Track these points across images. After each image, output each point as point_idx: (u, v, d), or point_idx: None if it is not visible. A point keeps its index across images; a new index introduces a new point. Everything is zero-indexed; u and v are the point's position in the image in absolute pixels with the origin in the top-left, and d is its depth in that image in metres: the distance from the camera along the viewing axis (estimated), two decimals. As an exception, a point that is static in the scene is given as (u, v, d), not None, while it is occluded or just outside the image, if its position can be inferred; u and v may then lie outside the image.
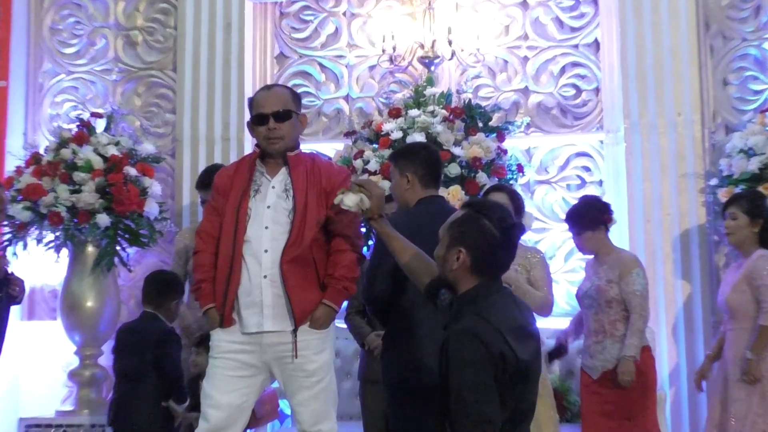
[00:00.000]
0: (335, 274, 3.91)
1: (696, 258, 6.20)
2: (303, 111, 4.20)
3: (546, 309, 4.85)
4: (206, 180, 5.13)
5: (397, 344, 3.92)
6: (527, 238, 6.53)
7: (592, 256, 5.22)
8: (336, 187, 3.87)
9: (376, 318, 4.29)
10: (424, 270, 3.36)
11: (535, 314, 4.72)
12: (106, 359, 6.24)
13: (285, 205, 3.91)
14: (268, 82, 7.09)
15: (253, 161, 4.02)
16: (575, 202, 6.48)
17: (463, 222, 3.00)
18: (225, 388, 3.88)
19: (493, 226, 2.96)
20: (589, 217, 5.10)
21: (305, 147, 4.49)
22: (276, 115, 3.95)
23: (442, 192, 5.82)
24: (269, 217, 3.89)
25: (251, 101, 4.05)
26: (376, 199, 3.55)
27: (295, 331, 3.87)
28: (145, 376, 5.11)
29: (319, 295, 3.92)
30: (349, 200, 3.56)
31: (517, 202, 4.89)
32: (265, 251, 3.86)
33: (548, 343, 5.41)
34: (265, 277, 3.85)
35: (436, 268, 3.20)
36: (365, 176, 6.16)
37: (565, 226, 6.40)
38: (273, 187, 3.95)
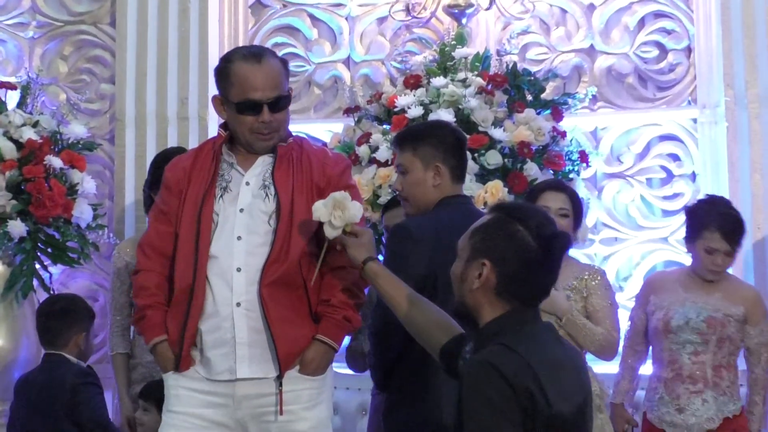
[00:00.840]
0: (332, 300, 3.91)
1: (828, 280, 6.23)
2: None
3: (609, 350, 4.91)
4: (160, 175, 5.12)
5: (415, 399, 3.92)
6: (591, 252, 6.61)
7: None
8: (333, 181, 3.93)
9: (377, 357, 4.24)
10: (437, 326, 3.38)
11: (595, 357, 4.91)
12: None
13: (263, 208, 3.91)
14: (240, 40, 7.15)
15: (219, 148, 4.01)
16: (659, 201, 6.64)
17: (489, 228, 3.04)
18: None
19: (530, 234, 2.98)
20: (744, 235, 5.25)
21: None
22: (273, 104, 3.94)
23: (477, 189, 5.91)
24: (242, 225, 3.89)
25: (228, 71, 3.99)
26: (368, 238, 3.70)
27: (279, 378, 3.85)
28: None
29: (312, 330, 3.92)
30: (320, 213, 3.71)
31: (579, 206, 4.97)
32: (238, 270, 3.85)
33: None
34: (238, 305, 3.84)
35: (456, 327, 3.27)
36: (372, 168, 6.16)
37: (646, 235, 6.70)
38: (247, 184, 3.95)
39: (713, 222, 5.17)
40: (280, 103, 3.95)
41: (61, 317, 5.46)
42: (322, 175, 3.95)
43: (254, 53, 4.04)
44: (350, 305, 3.93)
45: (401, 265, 3.86)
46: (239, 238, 3.87)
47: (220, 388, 3.87)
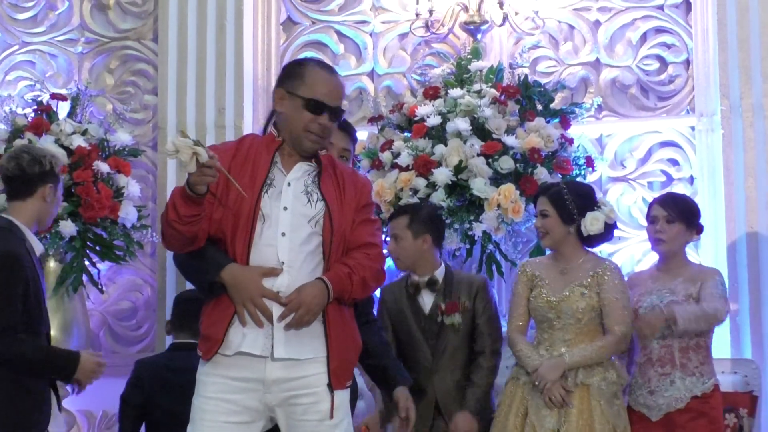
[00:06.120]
0: (349, 261, 3.94)
1: (817, 278, 6.24)
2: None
3: (618, 346, 5.06)
4: None
5: None
6: (596, 250, 6.41)
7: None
8: (362, 200, 4.03)
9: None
10: None
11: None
12: (71, 402, 6.24)
13: (305, 211, 3.93)
14: (273, 54, 7.22)
15: (273, 149, 3.99)
16: None
17: None
18: None
19: None
20: (690, 210, 5.29)
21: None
22: (334, 112, 3.99)
23: (491, 192, 6.01)
24: (286, 222, 3.91)
25: (303, 69, 4.02)
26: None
27: (330, 386, 3.89)
28: None
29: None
30: (184, 155, 3.60)
31: (560, 203, 5.12)
32: (282, 264, 3.88)
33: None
34: (278, 293, 3.86)
35: None
36: (394, 172, 6.20)
37: (647, 235, 6.45)
38: (288, 185, 3.96)
39: (654, 200, 5.41)
40: (340, 115, 4.02)
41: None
42: (354, 192, 4.01)
43: (328, 65, 4.17)
44: (360, 276, 3.93)
45: None
46: (283, 234, 3.89)
47: (251, 373, 3.86)
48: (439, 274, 5.40)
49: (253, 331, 3.84)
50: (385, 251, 4.28)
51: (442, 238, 5.59)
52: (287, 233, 3.88)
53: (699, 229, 5.32)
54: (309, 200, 3.92)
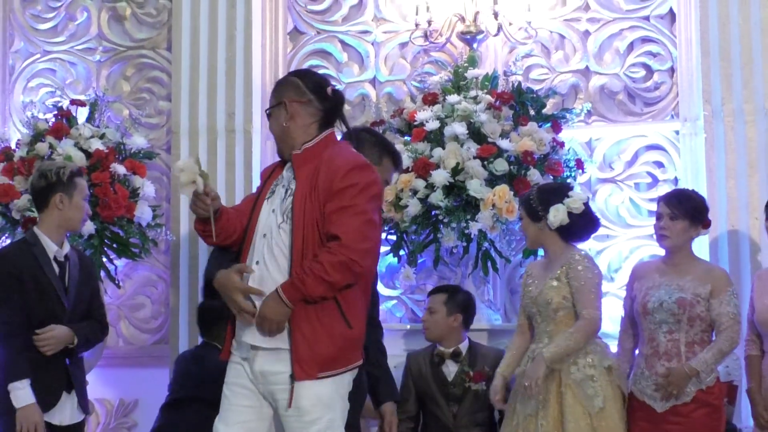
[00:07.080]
0: (306, 263, 3.81)
1: (793, 274, 6.20)
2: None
3: (587, 331, 5.03)
4: None
5: None
6: (585, 247, 6.32)
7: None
8: (335, 182, 3.83)
9: None
10: None
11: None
12: (88, 390, 6.20)
13: (281, 208, 3.94)
14: (280, 62, 7.27)
15: (280, 163, 4.12)
16: (645, 203, 6.68)
17: None
18: (230, 420, 3.96)
19: None
20: (694, 207, 5.23)
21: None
22: (268, 116, 4.11)
23: (486, 192, 6.10)
24: (269, 224, 3.96)
25: None
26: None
27: (293, 376, 3.84)
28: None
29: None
30: (185, 177, 3.79)
31: (529, 208, 5.18)
32: (257, 263, 3.93)
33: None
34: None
35: None
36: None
37: (634, 233, 6.69)
38: (283, 186, 4.00)
39: (660, 197, 5.40)
40: (269, 113, 4.05)
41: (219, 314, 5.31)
42: (326, 177, 3.84)
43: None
44: (313, 273, 3.76)
45: None
46: (264, 235, 3.92)
47: (247, 364, 3.94)
48: (464, 346, 5.73)
49: (246, 325, 3.92)
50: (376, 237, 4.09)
51: (471, 321, 5.85)
52: (267, 234, 3.91)
53: (706, 224, 5.27)
54: (284, 197, 3.93)
